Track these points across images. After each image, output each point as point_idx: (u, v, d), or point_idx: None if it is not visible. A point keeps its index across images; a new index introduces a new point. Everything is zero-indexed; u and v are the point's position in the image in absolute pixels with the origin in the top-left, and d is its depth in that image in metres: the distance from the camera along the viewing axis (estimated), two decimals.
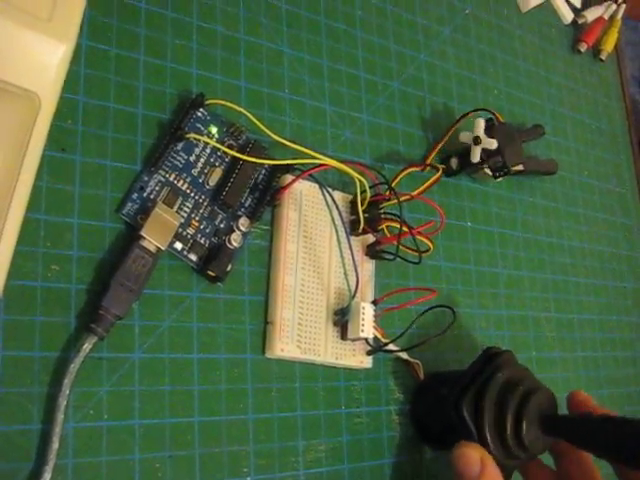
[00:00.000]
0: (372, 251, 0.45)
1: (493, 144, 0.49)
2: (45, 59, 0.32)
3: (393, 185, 0.46)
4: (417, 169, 0.49)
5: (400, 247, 0.43)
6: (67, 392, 0.32)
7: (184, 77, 0.41)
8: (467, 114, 0.52)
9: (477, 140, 0.49)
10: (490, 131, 0.50)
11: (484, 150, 0.50)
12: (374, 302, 0.43)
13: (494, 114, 0.52)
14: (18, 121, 0.31)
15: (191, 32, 0.43)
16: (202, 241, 0.39)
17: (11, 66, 0.31)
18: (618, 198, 0.70)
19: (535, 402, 0.39)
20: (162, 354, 0.37)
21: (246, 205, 0.41)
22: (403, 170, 0.48)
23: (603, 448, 0.37)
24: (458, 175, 0.53)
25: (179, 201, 0.38)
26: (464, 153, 0.51)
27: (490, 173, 0.53)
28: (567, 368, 0.57)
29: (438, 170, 0.50)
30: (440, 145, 0.52)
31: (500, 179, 0.54)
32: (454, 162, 0.52)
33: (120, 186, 0.37)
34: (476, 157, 0.50)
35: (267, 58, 0.46)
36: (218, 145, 0.40)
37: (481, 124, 0.49)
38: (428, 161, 0.51)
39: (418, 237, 0.44)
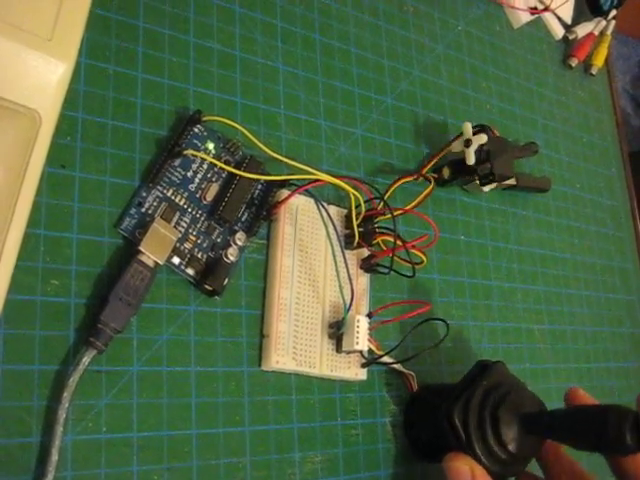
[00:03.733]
0: (367, 265, 0.46)
1: (483, 138, 0.49)
2: (46, 77, 0.32)
3: (386, 197, 0.46)
4: (410, 179, 0.50)
5: (394, 260, 0.44)
6: (66, 405, 0.33)
7: (181, 94, 0.42)
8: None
9: (468, 143, 0.50)
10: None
11: (477, 151, 0.50)
12: (369, 315, 0.44)
13: (490, 128, 0.53)
14: (19, 138, 0.32)
15: (188, 50, 0.43)
16: (199, 255, 0.39)
17: (13, 84, 0.31)
18: (610, 211, 0.71)
19: (512, 402, 0.40)
20: (160, 367, 0.37)
21: (242, 220, 0.41)
22: (396, 181, 0.49)
23: (576, 438, 0.37)
24: (450, 185, 0.53)
25: (177, 216, 0.39)
26: (456, 162, 0.52)
27: (485, 189, 0.53)
28: (560, 379, 0.58)
29: (430, 181, 0.51)
30: (436, 159, 0.52)
31: (487, 188, 0.54)
32: (446, 172, 0.52)
33: (118, 201, 0.38)
34: (471, 159, 0.50)
35: (263, 75, 0.46)
36: (215, 161, 0.40)
37: (469, 128, 0.50)
38: (423, 172, 0.52)
39: (412, 251, 0.45)
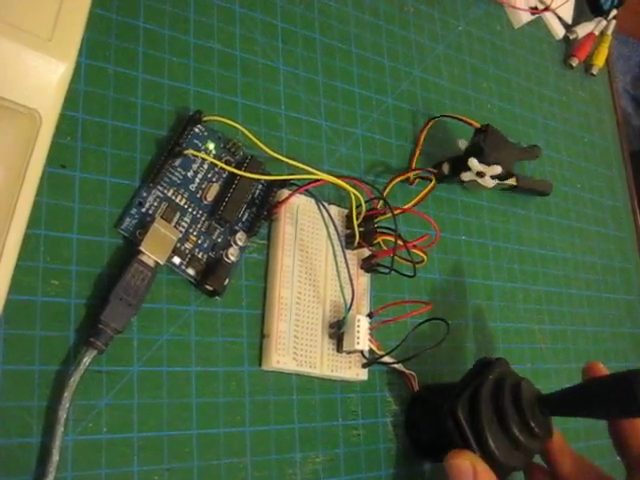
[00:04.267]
0: (367, 265, 0.46)
1: (497, 169, 0.50)
2: (46, 77, 0.32)
3: (385, 194, 0.47)
4: (404, 177, 0.50)
5: (395, 260, 0.44)
6: (67, 405, 0.32)
7: (182, 94, 0.42)
8: (433, 119, 0.54)
9: (481, 174, 0.50)
10: (480, 139, 0.51)
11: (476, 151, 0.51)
12: (369, 315, 0.44)
13: (463, 120, 0.53)
14: (19, 138, 0.32)
15: (188, 50, 0.43)
16: (200, 255, 0.39)
17: (13, 84, 0.31)
18: (611, 211, 0.70)
19: (526, 388, 0.40)
20: (160, 367, 0.37)
21: (243, 220, 0.41)
22: (395, 177, 0.49)
23: (595, 408, 0.38)
24: (450, 182, 0.53)
25: (177, 216, 0.39)
26: (456, 158, 0.52)
27: (483, 183, 0.53)
28: (561, 380, 0.58)
29: (430, 180, 0.51)
30: (417, 151, 0.53)
31: (491, 184, 0.54)
32: (446, 167, 0.52)
33: (119, 201, 0.38)
34: (490, 184, 0.51)
35: (263, 75, 0.46)
36: (215, 161, 0.40)
37: (475, 163, 0.50)
38: (412, 165, 0.52)
39: (413, 251, 0.44)
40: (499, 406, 0.39)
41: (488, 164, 0.50)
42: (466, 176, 0.51)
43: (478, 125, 0.52)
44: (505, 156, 0.51)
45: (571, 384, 0.40)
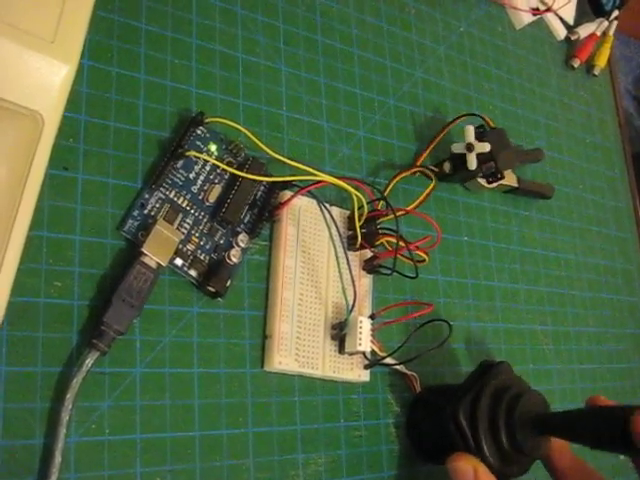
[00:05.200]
0: (369, 266, 0.46)
1: (486, 147, 0.49)
2: (49, 79, 0.32)
3: (386, 193, 0.47)
4: (408, 173, 0.50)
5: (397, 261, 0.44)
6: (69, 407, 0.33)
7: (184, 96, 0.42)
8: (459, 117, 0.53)
9: (470, 147, 0.50)
10: (482, 137, 0.51)
11: (479, 156, 0.50)
12: (371, 316, 0.44)
13: (484, 119, 0.52)
14: (22, 140, 0.32)
15: (190, 51, 0.43)
16: (202, 257, 0.39)
17: (15, 86, 0.31)
18: (613, 211, 0.70)
19: (525, 403, 0.40)
20: (163, 369, 0.37)
21: (245, 221, 0.41)
22: (394, 177, 0.49)
23: (587, 438, 0.37)
24: (451, 181, 0.53)
25: (179, 218, 0.39)
26: (457, 157, 0.52)
27: (485, 184, 0.53)
28: (564, 380, 0.58)
29: (431, 179, 0.51)
30: (429, 150, 0.53)
31: (494, 185, 0.54)
32: (447, 166, 0.52)
33: (121, 203, 0.38)
34: (473, 164, 0.50)
35: (265, 76, 0.46)
36: (217, 162, 0.40)
37: (471, 131, 0.50)
38: (418, 163, 0.52)
39: (415, 252, 0.44)
40: (494, 417, 0.39)
41: (497, 168, 0.50)
42: (456, 147, 0.51)
43: (493, 125, 0.52)
44: (509, 153, 0.51)
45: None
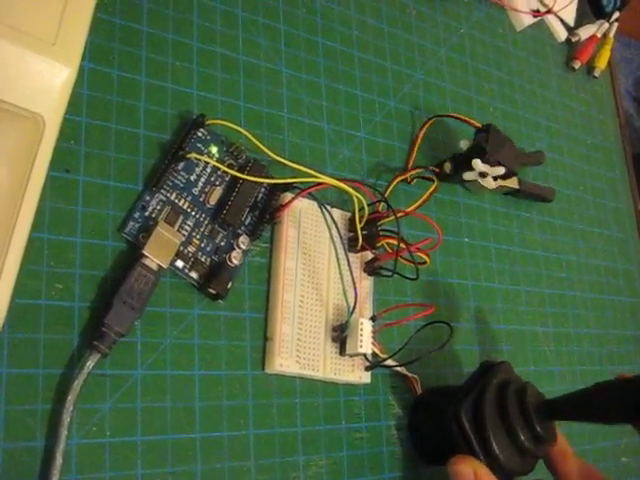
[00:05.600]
0: (370, 268, 0.46)
1: (500, 170, 0.50)
2: (50, 82, 0.32)
3: (387, 193, 0.47)
4: (407, 176, 0.50)
5: (398, 263, 0.44)
6: (70, 409, 0.33)
7: (185, 98, 0.42)
8: (433, 117, 0.54)
9: (484, 175, 0.50)
10: (482, 137, 0.51)
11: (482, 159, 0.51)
12: (372, 318, 0.44)
13: (465, 120, 0.53)
14: (23, 142, 0.32)
15: (191, 54, 0.43)
16: (203, 259, 0.39)
17: (17, 88, 0.32)
18: (614, 212, 0.70)
19: (531, 393, 0.40)
20: (164, 371, 0.37)
21: (246, 223, 0.41)
22: (396, 177, 0.49)
23: (596, 413, 0.38)
24: (452, 181, 0.53)
25: (180, 220, 0.39)
26: (457, 157, 0.52)
27: (485, 185, 0.53)
28: (565, 382, 0.58)
29: (433, 181, 0.51)
30: (414, 151, 0.53)
31: (495, 186, 0.54)
32: (448, 166, 0.52)
33: (122, 205, 0.38)
34: (491, 185, 0.51)
35: (266, 78, 0.47)
36: (218, 164, 0.40)
37: (478, 163, 0.50)
38: (409, 166, 0.52)
39: (416, 253, 0.44)
40: (505, 411, 0.39)
41: (491, 165, 0.50)
42: (468, 175, 0.51)
43: (479, 125, 0.52)
44: (508, 155, 0.51)
45: (574, 387, 0.40)
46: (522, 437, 0.39)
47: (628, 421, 0.38)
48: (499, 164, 0.51)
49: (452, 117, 0.54)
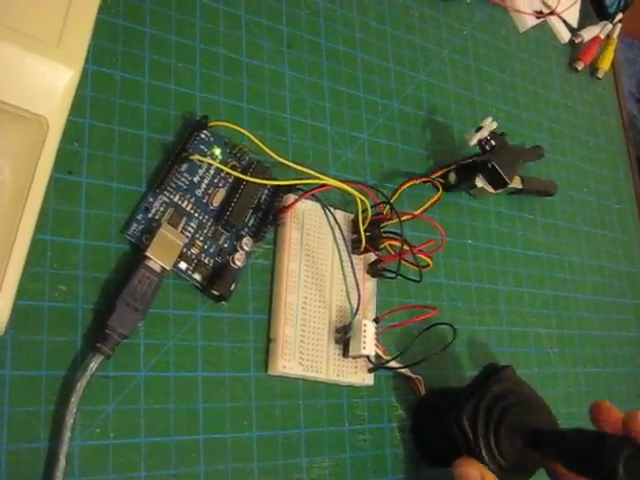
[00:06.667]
0: (374, 269, 0.46)
1: (492, 125, 0.50)
2: (53, 84, 0.33)
3: (393, 199, 0.47)
4: (418, 181, 0.50)
5: (401, 264, 0.44)
6: (74, 410, 0.33)
7: (188, 99, 0.42)
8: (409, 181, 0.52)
9: (479, 129, 0.51)
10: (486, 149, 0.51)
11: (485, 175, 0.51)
12: (376, 320, 0.44)
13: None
14: (27, 144, 0.32)
15: (194, 55, 0.43)
16: (206, 261, 0.39)
17: (20, 90, 0.32)
18: (617, 214, 0.70)
19: (518, 413, 0.39)
20: (167, 372, 0.37)
21: (249, 225, 0.41)
22: (403, 184, 0.49)
23: (573, 463, 0.36)
24: (457, 190, 0.53)
25: (183, 221, 0.39)
26: (462, 168, 0.52)
27: (490, 190, 0.53)
28: (569, 384, 0.57)
29: (438, 188, 0.51)
30: (449, 168, 0.53)
31: (500, 191, 0.54)
32: (452, 177, 0.52)
33: (125, 207, 0.38)
34: (473, 141, 0.51)
35: (269, 80, 0.47)
36: (221, 166, 0.40)
37: (494, 125, 0.51)
38: (433, 176, 0.52)
39: (419, 255, 0.44)
40: (487, 426, 0.39)
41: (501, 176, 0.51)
42: (477, 191, 0.52)
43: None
44: (510, 165, 0.51)
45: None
46: (496, 455, 0.38)
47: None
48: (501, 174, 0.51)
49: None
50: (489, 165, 0.51)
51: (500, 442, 0.39)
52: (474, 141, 0.51)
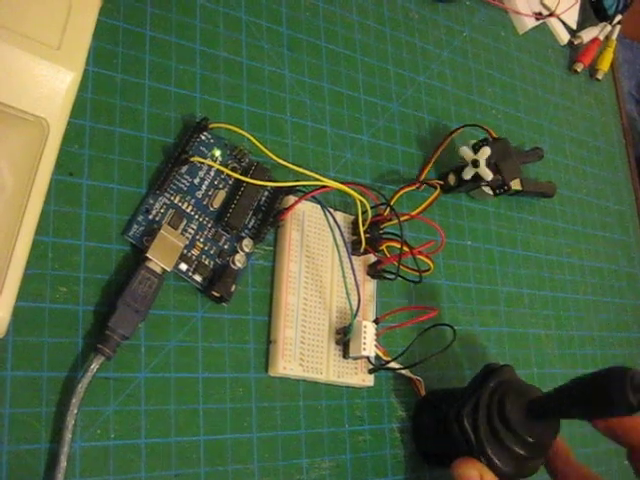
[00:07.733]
0: (373, 271, 0.46)
1: (486, 152, 0.49)
2: (54, 86, 0.33)
3: (392, 201, 0.47)
4: (412, 188, 0.50)
5: (401, 267, 0.44)
6: (75, 412, 0.33)
7: (188, 101, 0.42)
8: (458, 129, 0.53)
9: (476, 163, 0.50)
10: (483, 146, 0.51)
11: (477, 174, 0.51)
12: (376, 321, 0.44)
13: (487, 130, 0.52)
14: (28, 146, 0.32)
15: (194, 57, 0.43)
16: (206, 262, 0.40)
17: (21, 93, 0.32)
18: (617, 215, 0.70)
19: (516, 392, 0.39)
20: (168, 374, 0.37)
21: (249, 226, 0.42)
22: (398, 191, 0.49)
23: (584, 409, 0.37)
24: (456, 192, 0.54)
25: (184, 223, 0.39)
26: (461, 169, 0.52)
27: (489, 192, 0.53)
28: None
29: (436, 188, 0.51)
30: (431, 163, 0.53)
31: (500, 195, 0.54)
32: (452, 178, 0.52)
33: (126, 209, 0.38)
34: (488, 175, 0.50)
35: (269, 82, 0.47)
36: (222, 168, 0.41)
37: (466, 151, 0.50)
38: (421, 178, 0.52)
39: (419, 257, 0.45)
40: (490, 416, 0.39)
41: (504, 180, 0.51)
42: (467, 173, 0.51)
43: (495, 136, 0.52)
44: (512, 163, 0.51)
45: None
46: (511, 445, 0.38)
47: (605, 414, 0.37)
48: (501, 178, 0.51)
49: (479, 127, 0.54)
50: (504, 186, 0.51)
51: (506, 430, 0.39)
52: (471, 174, 0.51)
